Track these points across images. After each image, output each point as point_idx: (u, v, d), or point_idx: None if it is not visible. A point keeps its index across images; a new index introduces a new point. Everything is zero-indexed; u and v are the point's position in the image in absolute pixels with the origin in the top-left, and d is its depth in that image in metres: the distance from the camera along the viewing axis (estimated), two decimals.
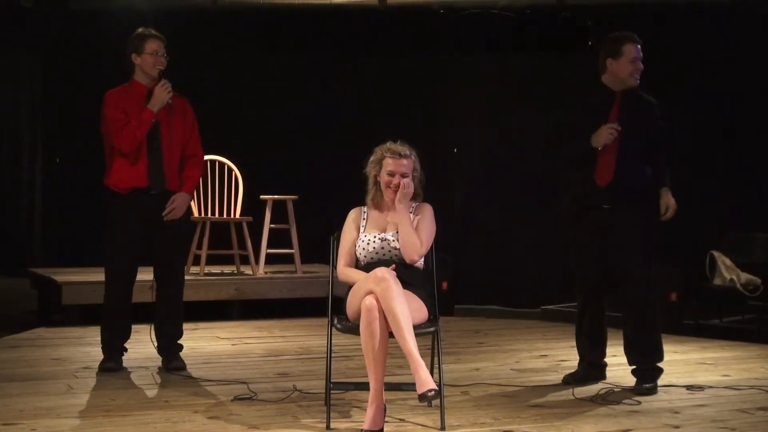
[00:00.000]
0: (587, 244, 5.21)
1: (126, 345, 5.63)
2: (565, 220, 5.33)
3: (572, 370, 5.43)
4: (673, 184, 5.25)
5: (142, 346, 6.00)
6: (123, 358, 5.61)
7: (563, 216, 5.34)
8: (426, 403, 4.16)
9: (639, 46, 5.15)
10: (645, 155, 5.15)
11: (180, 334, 5.68)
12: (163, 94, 5.40)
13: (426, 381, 4.05)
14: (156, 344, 5.63)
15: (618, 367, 5.64)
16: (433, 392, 4.03)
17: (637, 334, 5.19)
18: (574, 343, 5.50)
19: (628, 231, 5.12)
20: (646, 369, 5.17)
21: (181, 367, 5.55)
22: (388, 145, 4.66)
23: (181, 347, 5.68)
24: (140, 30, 5.52)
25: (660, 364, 5.20)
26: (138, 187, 5.40)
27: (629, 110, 5.13)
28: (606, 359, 5.44)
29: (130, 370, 5.54)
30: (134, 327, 5.68)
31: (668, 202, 5.19)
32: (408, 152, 4.64)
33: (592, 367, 5.36)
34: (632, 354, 5.23)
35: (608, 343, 5.44)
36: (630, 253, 5.14)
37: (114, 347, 5.56)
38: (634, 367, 5.23)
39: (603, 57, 5.20)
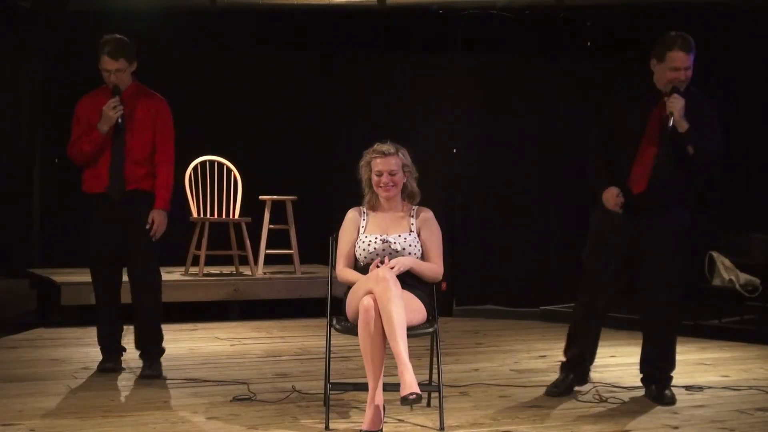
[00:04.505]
0: (612, 246, 4.98)
1: (124, 345, 5.61)
2: (593, 220, 5.09)
3: (551, 379, 5.20)
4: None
5: None
6: (123, 358, 5.60)
7: (595, 216, 5.08)
8: (408, 407, 4.16)
9: (689, 54, 4.80)
10: (683, 161, 4.86)
11: (156, 340, 5.50)
12: (109, 113, 5.26)
13: (410, 384, 4.06)
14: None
15: (617, 367, 5.65)
16: (414, 395, 4.04)
17: (660, 346, 5.04)
18: None
19: (660, 239, 4.92)
20: (665, 378, 5.03)
21: (154, 375, 5.36)
22: (375, 146, 4.72)
23: (159, 353, 5.51)
24: (102, 39, 5.36)
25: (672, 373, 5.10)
26: (100, 192, 5.38)
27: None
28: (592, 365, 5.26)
29: (129, 371, 5.53)
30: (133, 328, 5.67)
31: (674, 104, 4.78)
32: (393, 150, 4.67)
33: (578, 375, 5.15)
34: (653, 364, 5.05)
35: (608, 343, 5.42)
36: (657, 260, 4.93)
37: (110, 348, 5.55)
38: (648, 376, 5.07)
39: (650, 56, 4.90)
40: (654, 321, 5.07)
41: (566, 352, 5.18)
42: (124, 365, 5.60)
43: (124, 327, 5.63)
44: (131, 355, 5.71)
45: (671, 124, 4.77)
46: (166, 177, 5.45)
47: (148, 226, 5.36)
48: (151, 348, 5.48)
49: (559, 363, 5.20)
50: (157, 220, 5.38)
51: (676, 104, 4.76)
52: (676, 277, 4.99)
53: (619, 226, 4.93)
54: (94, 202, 5.42)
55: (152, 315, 5.49)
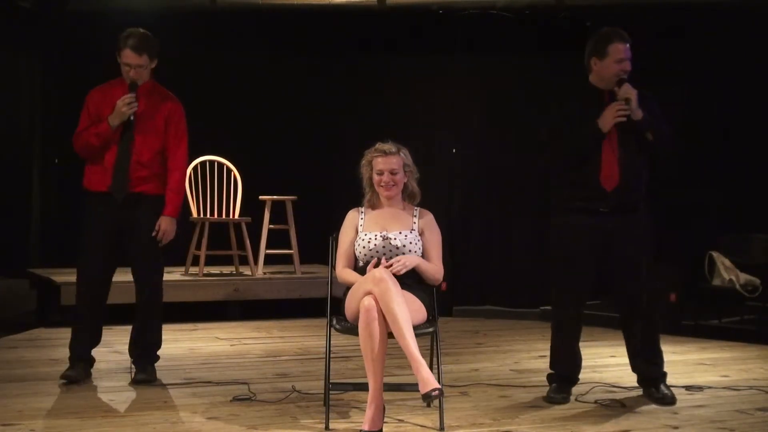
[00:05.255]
0: (582, 251, 4.90)
1: (94, 355, 5.40)
2: (556, 225, 5.02)
3: (546, 387, 5.07)
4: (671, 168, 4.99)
5: None
6: (118, 359, 5.49)
7: (554, 222, 5.03)
8: (427, 403, 4.16)
9: (628, 45, 4.86)
10: (641, 154, 4.92)
11: (155, 343, 5.40)
12: (123, 109, 5.11)
13: (429, 381, 4.06)
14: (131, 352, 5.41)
15: (617, 367, 5.64)
16: (437, 391, 4.04)
17: (648, 345, 4.99)
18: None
19: (631, 236, 4.89)
20: (659, 377, 5.00)
21: (148, 380, 5.24)
22: (376, 145, 4.73)
23: (155, 358, 5.41)
24: (125, 32, 5.22)
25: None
26: (103, 191, 5.22)
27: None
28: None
29: (128, 371, 5.50)
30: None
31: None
32: (395, 149, 4.68)
33: (571, 383, 5.06)
34: (644, 365, 5.01)
35: (608, 343, 5.42)
36: (634, 261, 4.91)
37: (78, 354, 5.31)
38: (643, 377, 5.03)
39: (588, 56, 4.93)
40: (637, 323, 5.00)
41: (554, 365, 5.09)
42: (121, 366, 5.54)
43: (121, 327, 5.53)
44: (126, 356, 5.58)
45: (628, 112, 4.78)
46: (179, 184, 5.32)
47: (154, 233, 5.23)
48: (147, 353, 5.37)
49: (547, 375, 5.11)
50: (164, 226, 5.25)
51: (630, 91, 4.78)
52: (648, 278, 4.96)
53: (583, 232, 4.88)
54: (95, 201, 5.27)
55: (155, 319, 5.40)
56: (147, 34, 5.24)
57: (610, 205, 4.84)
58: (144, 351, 5.37)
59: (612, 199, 4.84)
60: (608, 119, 4.80)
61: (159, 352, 5.46)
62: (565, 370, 5.04)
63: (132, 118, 5.16)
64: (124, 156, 5.21)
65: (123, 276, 5.52)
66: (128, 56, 5.17)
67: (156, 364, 5.44)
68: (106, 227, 5.25)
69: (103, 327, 5.45)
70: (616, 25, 5.01)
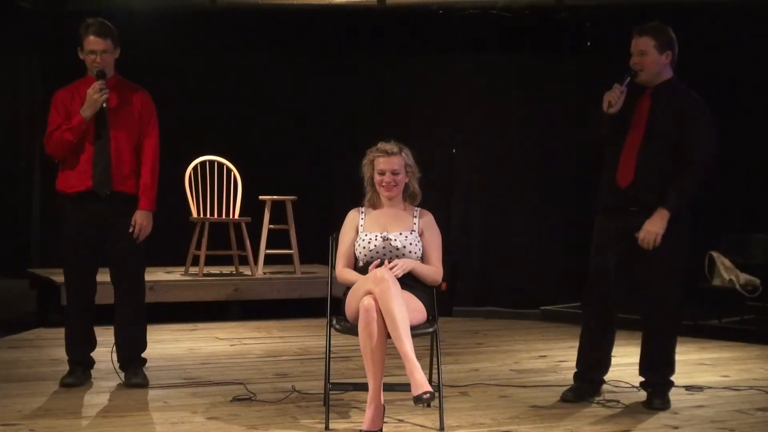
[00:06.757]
0: (608, 250, 4.86)
1: (93, 356, 5.31)
2: (595, 224, 4.99)
3: (569, 383, 5.10)
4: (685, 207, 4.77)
5: None
6: (116, 360, 5.27)
7: (595, 221, 5.01)
8: (421, 405, 4.15)
9: (639, 39, 4.88)
10: (671, 157, 4.75)
11: (142, 346, 5.26)
12: (95, 96, 4.96)
13: (421, 383, 4.06)
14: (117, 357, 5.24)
15: (617, 367, 5.62)
16: (428, 394, 4.04)
17: (652, 347, 4.93)
18: (573, 344, 5.30)
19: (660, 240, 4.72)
20: (657, 384, 4.91)
21: (142, 384, 5.12)
22: (378, 144, 4.72)
23: (143, 361, 5.27)
24: (85, 22, 5.07)
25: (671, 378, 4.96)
26: (85, 191, 5.11)
27: (655, 107, 4.80)
28: (606, 376, 5.12)
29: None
30: None
31: (647, 226, 4.69)
32: (396, 150, 4.68)
33: (592, 384, 5.03)
34: (644, 366, 4.96)
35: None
36: (654, 263, 4.77)
37: (77, 359, 5.25)
38: (643, 380, 4.97)
39: None
40: (652, 327, 4.96)
41: (576, 363, 5.09)
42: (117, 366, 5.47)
43: (102, 327, 5.40)
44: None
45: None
46: (153, 176, 5.17)
47: (131, 229, 5.10)
48: (138, 357, 5.25)
49: (573, 373, 5.09)
50: (140, 221, 5.10)
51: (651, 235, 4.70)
52: (672, 283, 4.87)
53: (609, 232, 4.85)
54: (73, 203, 5.16)
55: (140, 320, 5.27)
56: (106, 21, 5.13)
57: (626, 202, 4.77)
58: (134, 356, 5.25)
59: (628, 197, 4.76)
60: (605, 98, 4.76)
61: (159, 352, 5.45)
62: (583, 370, 5.02)
63: (105, 105, 5.03)
64: (102, 150, 5.08)
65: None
66: (93, 42, 5.05)
67: (156, 364, 5.43)
68: (88, 228, 5.15)
69: (102, 327, 5.41)
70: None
